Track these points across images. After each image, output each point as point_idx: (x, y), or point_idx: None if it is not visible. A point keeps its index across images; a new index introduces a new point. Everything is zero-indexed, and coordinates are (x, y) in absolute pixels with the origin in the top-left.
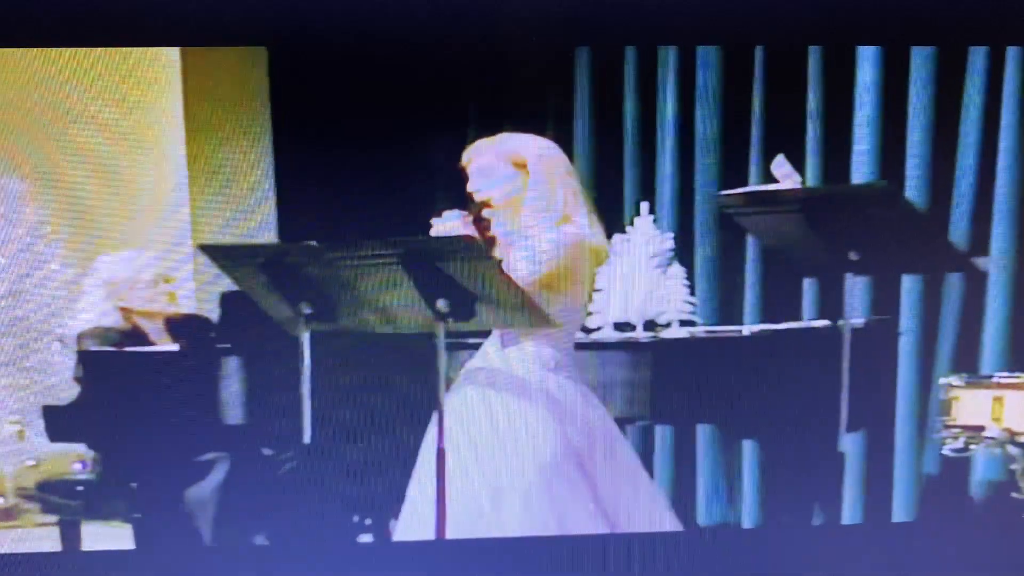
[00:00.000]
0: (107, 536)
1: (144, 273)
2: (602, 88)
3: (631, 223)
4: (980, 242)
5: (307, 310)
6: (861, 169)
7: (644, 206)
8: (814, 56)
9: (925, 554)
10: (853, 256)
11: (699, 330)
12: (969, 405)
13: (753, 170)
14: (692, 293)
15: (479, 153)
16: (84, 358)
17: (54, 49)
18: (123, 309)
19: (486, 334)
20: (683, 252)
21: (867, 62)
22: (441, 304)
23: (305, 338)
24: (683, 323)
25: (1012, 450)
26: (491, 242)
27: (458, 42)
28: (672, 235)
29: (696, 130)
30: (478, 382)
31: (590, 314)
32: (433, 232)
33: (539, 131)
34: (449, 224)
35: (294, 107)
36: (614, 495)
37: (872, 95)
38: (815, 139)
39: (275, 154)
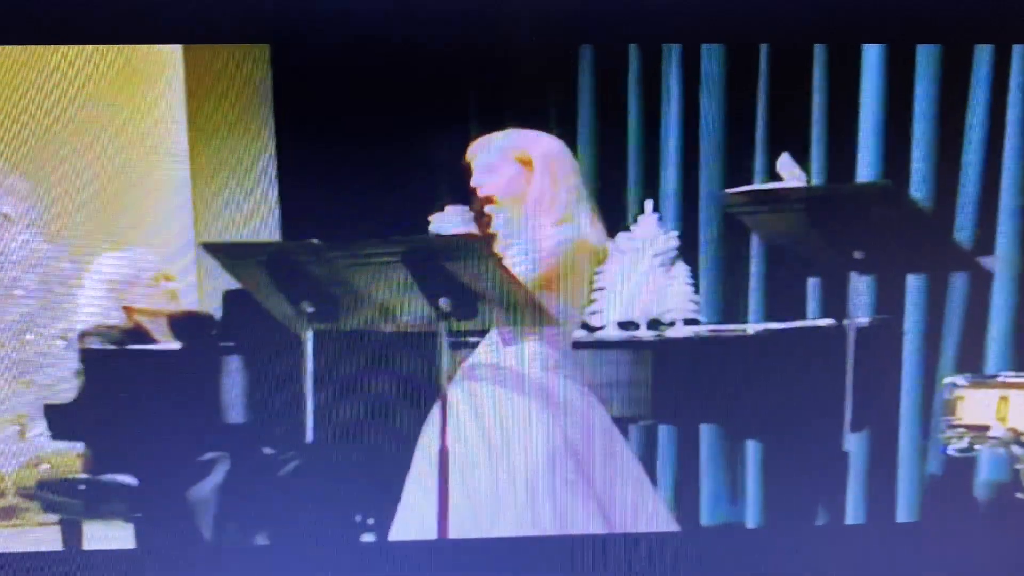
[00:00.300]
0: (108, 536)
1: (145, 272)
2: (605, 86)
3: (635, 221)
4: (985, 241)
5: (309, 308)
6: (866, 168)
7: (648, 204)
8: (819, 54)
9: (929, 554)
10: (857, 255)
11: (703, 329)
12: (974, 405)
13: (758, 168)
14: (696, 292)
15: (484, 148)
16: (86, 356)
17: (57, 47)
18: (125, 308)
19: (486, 332)
20: (687, 251)
21: (872, 60)
22: (443, 302)
23: (307, 337)
24: (687, 322)
25: (1017, 450)
26: (491, 238)
27: (461, 40)
28: (676, 233)
29: (700, 128)
30: (476, 380)
31: (592, 313)
32: (432, 227)
33: (542, 129)
34: (450, 219)
35: (296, 104)
36: (612, 495)
37: (877, 93)
38: (820, 137)
39: (277, 151)
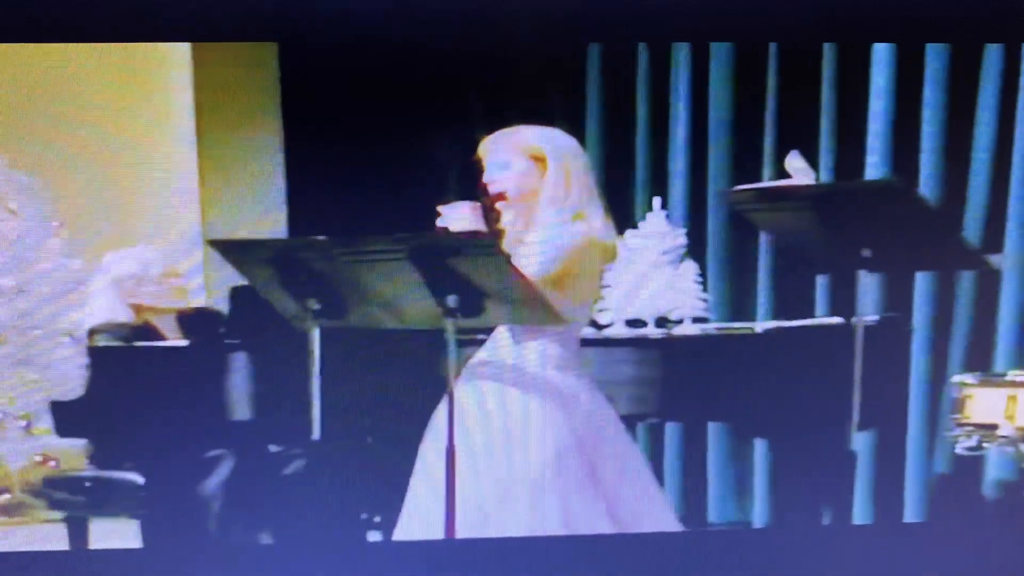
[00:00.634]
0: (114, 533)
1: (152, 269)
2: (614, 84)
3: (643, 219)
4: (994, 239)
5: (316, 306)
6: (874, 165)
7: (656, 202)
8: (828, 53)
9: (936, 554)
10: (866, 253)
11: (711, 327)
12: (982, 403)
13: (766, 166)
14: (704, 290)
15: (496, 145)
16: (92, 353)
17: (65, 44)
18: (134, 305)
19: (492, 330)
20: (695, 248)
21: (881, 59)
22: (450, 300)
23: (314, 334)
24: (695, 320)
25: None
26: (500, 235)
27: (469, 38)
28: (684, 231)
29: (709, 126)
30: (483, 378)
31: (600, 311)
32: (440, 221)
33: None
34: (458, 212)
35: (304, 102)
36: (620, 495)
37: (886, 91)
38: (829, 135)
39: (285, 149)
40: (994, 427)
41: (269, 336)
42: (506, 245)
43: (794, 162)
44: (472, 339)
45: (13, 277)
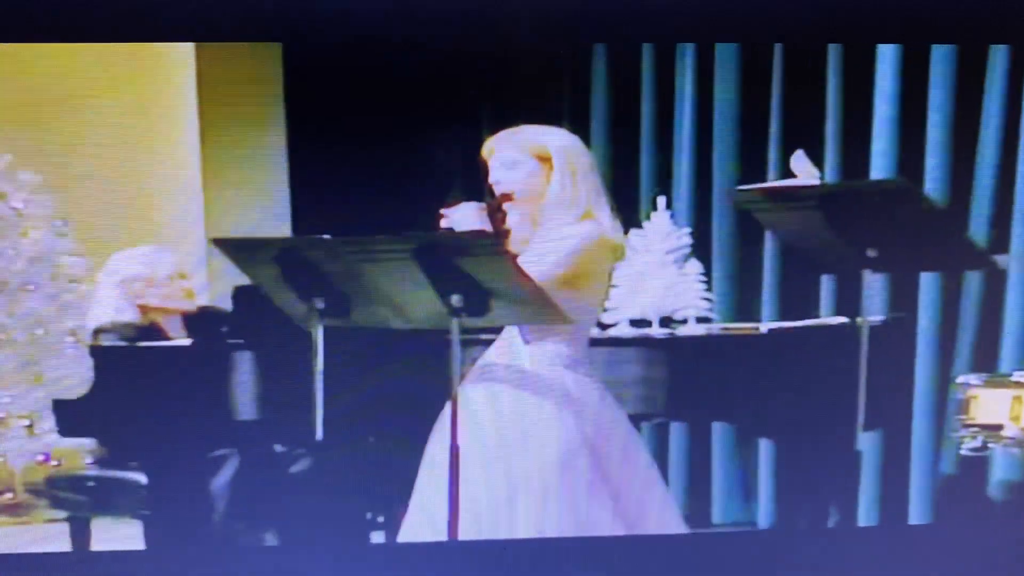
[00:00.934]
0: (117, 532)
1: (161, 270)
2: (619, 84)
3: (648, 218)
4: (999, 239)
5: (320, 305)
6: (880, 165)
7: (661, 201)
8: (833, 53)
9: (942, 556)
10: (871, 253)
11: (716, 327)
12: (987, 404)
13: (771, 165)
14: (709, 289)
15: (501, 145)
16: (96, 353)
17: (70, 44)
18: (140, 306)
19: (499, 330)
20: (700, 248)
21: (886, 59)
22: (455, 299)
23: (318, 333)
24: (699, 320)
25: None
26: (506, 235)
27: (473, 38)
28: (689, 230)
29: (714, 126)
30: (492, 378)
31: (605, 310)
32: (444, 223)
33: (555, 127)
34: (462, 213)
35: (308, 102)
36: (629, 494)
37: (891, 91)
38: (834, 135)
39: (289, 148)
40: (999, 428)
41: (273, 335)
42: (513, 245)
43: (799, 162)
44: (476, 339)
45: (17, 276)
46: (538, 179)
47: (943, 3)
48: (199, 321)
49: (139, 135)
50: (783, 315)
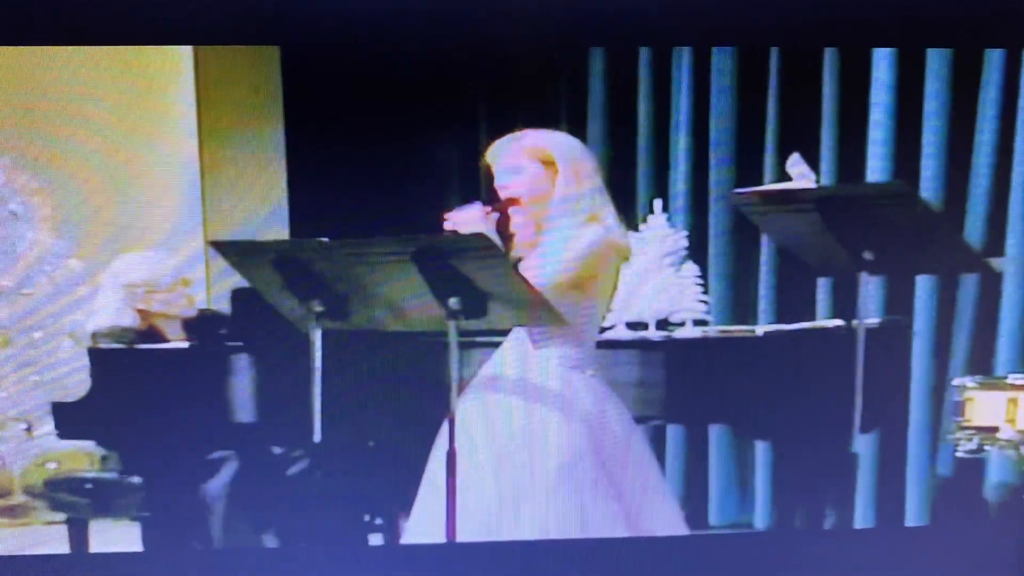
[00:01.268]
0: (115, 534)
1: (163, 277)
2: (616, 87)
3: (644, 221)
4: (995, 242)
5: (318, 307)
6: (876, 168)
7: (658, 204)
8: (830, 56)
9: (938, 558)
10: (867, 256)
11: (712, 330)
12: (983, 406)
13: (767, 168)
14: (705, 292)
15: (505, 150)
16: (94, 355)
17: (68, 47)
18: (140, 310)
19: (498, 332)
20: (697, 251)
21: (883, 63)
22: (453, 302)
23: (316, 335)
24: (696, 322)
25: None
26: (510, 239)
27: (471, 41)
28: (686, 233)
29: (710, 129)
30: (500, 380)
31: (611, 310)
32: (448, 225)
33: (552, 129)
34: (466, 216)
35: (306, 105)
36: (632, 495)
37: (887, 95)
38: (830, 138)
39: (287, 151)
40: (995, 430)
41: (271, 338)
42: (518, 249)
43: (795, 165)
44: (474, 341)
45: (15, 278)
46: (543, 183)
47: (939, 7)
48: (197, 324)
49: (137, 138)
50: (780, 318)
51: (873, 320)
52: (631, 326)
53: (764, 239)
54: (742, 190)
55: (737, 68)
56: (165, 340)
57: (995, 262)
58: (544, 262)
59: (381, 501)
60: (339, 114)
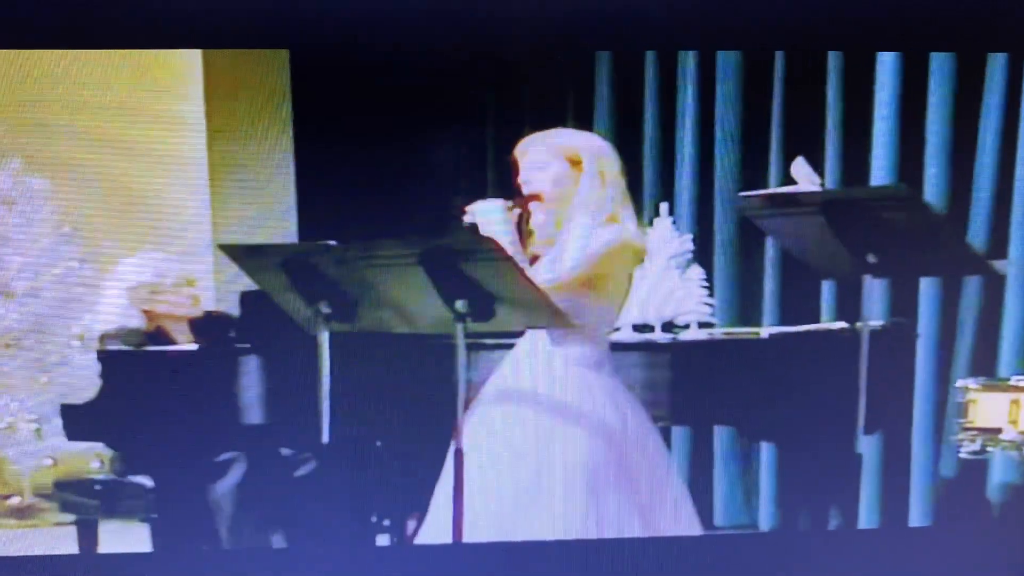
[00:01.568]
0: (124, 535)
1: (167, 277)
2: (622, 91)
3: (650, 224)
4: (998, 245)
5: (326, 310)
6: (880, 172)
7: (664, 207)
8: (834, 60)
9: (942, 558)
10: (871, 258)
11: (717, 332)
12: (986, 408)
13: (772, 172)
14: (711, 295)
15: (534, 146)
16: (103, 357)
17: (79, 51)
18: (146, 312)
19: (507, 334)
20: (702, 253)
21: (886, 67)
22: (460, 304)
23: (324, 338)
24: (701, 325)
25: None
26: (530, 235)
27: (479, 45)
28: (691, 236)
29: (716, 132)
30: (517, 379)
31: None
32: (467, 217)
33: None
34: (486, 209)
35: (315, 108)
36: (650, 495)
37: (891, 99)
38: (834, 142)
39: (296, 154)
40: (998, 431)
41: (279, 340)
42: (536, 245)
43: (800, 169)
44: (482, 343)
45: (25, 281)
46: (567, 180)
47: (942, 11)
48: (206, 326)
49: (147, 141)
50: (784, 320)
51: (877, 322)
52: (637, 328)
53: (769, 242)
54: (747, 193)
55: (742, 72)
56: (173, 342)
57: (998, 264)
58: (561, 259)
59: (388, 502)
60: (347, 116)
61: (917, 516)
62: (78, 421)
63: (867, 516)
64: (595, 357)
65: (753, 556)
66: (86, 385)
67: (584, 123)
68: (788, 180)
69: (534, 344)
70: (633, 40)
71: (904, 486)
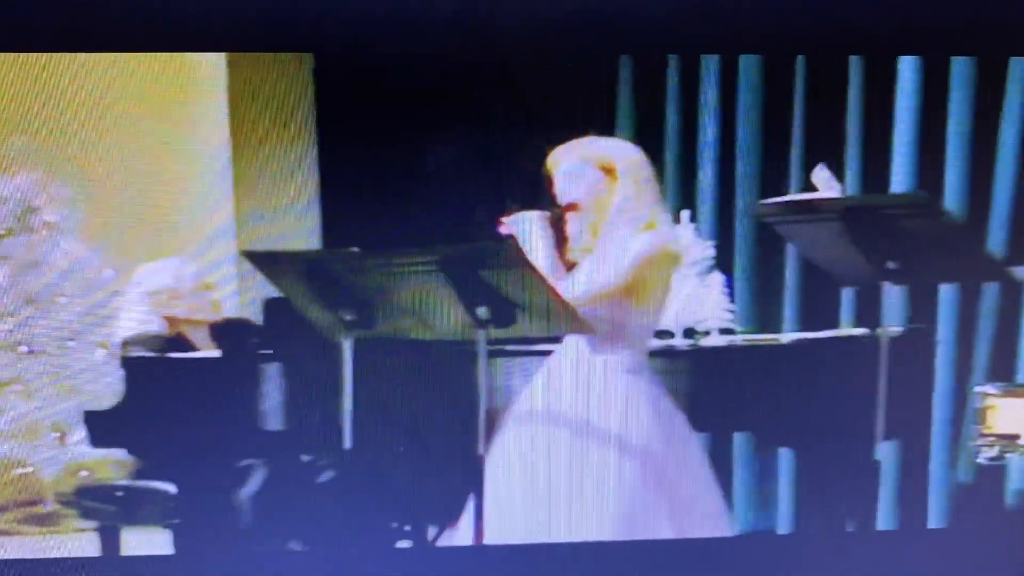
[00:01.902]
0: (146, 541)
1: (186, 282)
2: (644, 97)
3: None
4: (1017, 252)
5: (348, 316)
6: (900, 179)
7: (685, 214)
8: (855, 66)
9: (959, 561)
10: (891, 265)
11: (738, 338)
12: (1004, 414)
13: (793, 179)
14: (731, 301)
15: (566, 155)
16: (126, 364)
17: (101, 55)
18: (167, 317)
19: (523, 340)
20: (723, 260)
21: (907, 72)
22: (481, 311)
23: (346, 344)
24: (722, 331)
25: None
26: (566, 244)
27: (502, 50)
28: (712, 243)
29: (737, 139)
30: (556, 384)
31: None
32: (504, 229)
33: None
34: (524, 221)
35: (339, 113)
36: (683, 497)
37: (912, 105)
38: (855, 149)
39: (320, 160)
40: (1016, 437)
41: (302, 347)
42: (572, 254)
43: (820, 175)
44: (503, 349)
45: (49, 288)
46: (602, 190)
47: (964, 16)
48: (226, 332)
49: (170, 147)
50: (804, 326)
51: (896, 328)
52: (658, 335)
53: (789, 249)
54: (768, 201)
55: (763, 77)
56: (194, 348)
57: (1017, 270)
58: (599, 268)
59: (409, 508)
60: (372, 122)
61: (935, 520)
62: (101, 427)
63: (885, 520)
64: (634, 362)
65: (770, 556)
66: (109, 392)
67: (606, 129)
68: (809, 187)
69: (576, 350)
70: (654, 45)
71: (922, 492)
